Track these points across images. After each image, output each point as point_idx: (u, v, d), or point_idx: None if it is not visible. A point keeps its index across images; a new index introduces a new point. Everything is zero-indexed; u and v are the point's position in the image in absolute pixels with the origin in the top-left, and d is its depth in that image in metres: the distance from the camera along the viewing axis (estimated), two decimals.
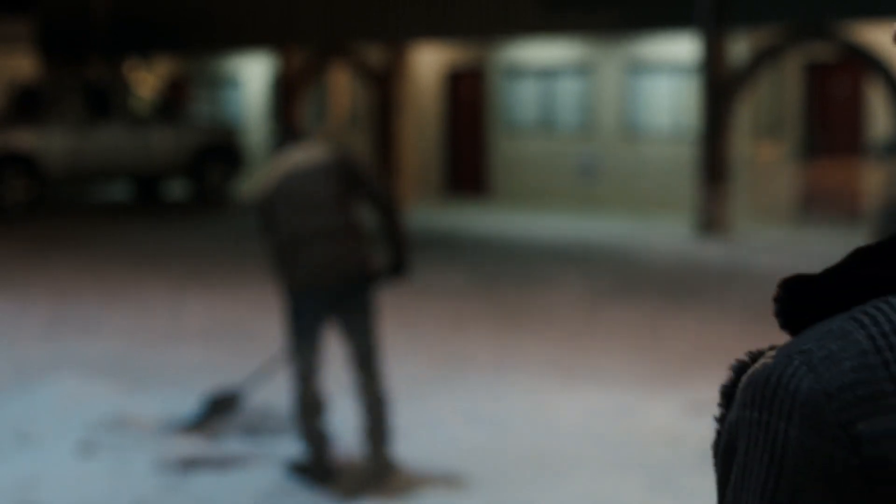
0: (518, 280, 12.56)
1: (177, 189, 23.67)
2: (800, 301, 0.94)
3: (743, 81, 16.34)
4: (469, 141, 21.93)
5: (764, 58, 16.13)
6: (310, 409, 6.13)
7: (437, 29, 20.02)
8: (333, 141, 6.99)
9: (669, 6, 16.95)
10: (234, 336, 9.81)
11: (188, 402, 6.93)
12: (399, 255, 6.21)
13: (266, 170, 6.33)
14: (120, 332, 9.91)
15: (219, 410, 6.68)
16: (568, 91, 20.68)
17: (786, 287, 0.95)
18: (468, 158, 21.94)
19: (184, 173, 21.94)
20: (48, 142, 20.02)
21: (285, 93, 22.71)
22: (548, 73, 20.71)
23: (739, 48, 16.87)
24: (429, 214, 19.27)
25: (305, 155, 6.24)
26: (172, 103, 22.89)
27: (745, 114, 17.30)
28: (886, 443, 0.85)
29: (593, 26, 17.67)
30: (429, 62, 22.10)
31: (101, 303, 11.32)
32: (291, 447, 6.41)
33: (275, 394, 7.15)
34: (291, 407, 6.19)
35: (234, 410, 6.73)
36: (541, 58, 20.62)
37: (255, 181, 6.51)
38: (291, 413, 6.23)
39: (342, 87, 23.97)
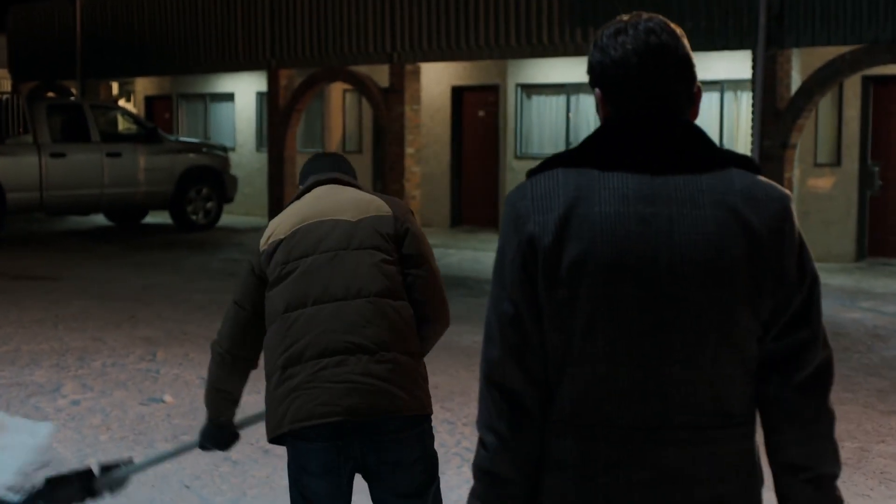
0: None
1: (158, 216, 21.77)
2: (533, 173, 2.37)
3: (803, 104, 14.43)
4: (480, 165, 19.96)
5: (824, 79, 14.22)
6: None
7: (445, 51, 18.17)
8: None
9: (706, 27, 15.08)
10: None
11: None
12: None
13: (282, 217, 4.03)
14: (73, 422, 7.95)
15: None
16: (590, 111, 18.74)
17: (529, 171, 2.36)
18: (479, 185, 19.96)
19: (166, 200, 20.04)
20: (12, 165, 18.16)
21: (277, 115, 20.85)
22: (568, 91, 18.77)
23: (794, 69, 15.00)
24: (437, 250, 17.31)
25: (340, 201, 3.93)
26: (153, 125, 20.88)
27: (801, 138, 15.37)
28: (522, 207, 2.33)
29: None
30: (436, 78, 20.14)
31: (57, 374, 9.36)
32: None
33: None
34: None
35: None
36: (560, 74, 18.69)
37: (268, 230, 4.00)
38: None
39: (340, 108, 22.02)
